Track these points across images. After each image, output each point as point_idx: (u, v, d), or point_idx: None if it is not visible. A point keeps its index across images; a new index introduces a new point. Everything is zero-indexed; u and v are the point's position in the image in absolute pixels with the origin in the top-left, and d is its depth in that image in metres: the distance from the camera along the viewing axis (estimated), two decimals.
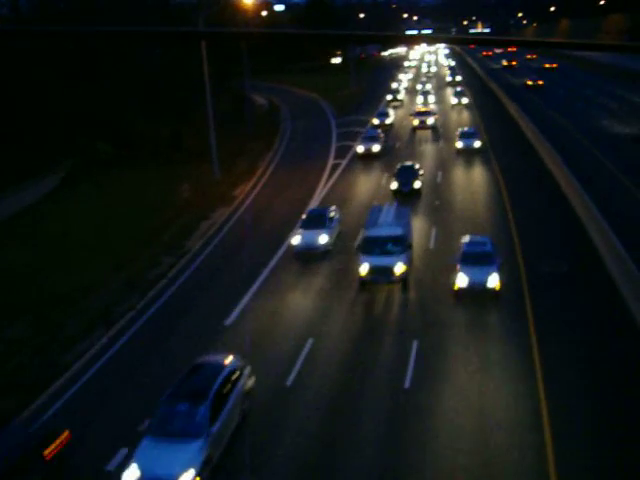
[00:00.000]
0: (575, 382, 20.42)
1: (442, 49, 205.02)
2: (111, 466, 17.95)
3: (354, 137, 60.49)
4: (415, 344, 23.05)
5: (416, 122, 62.57)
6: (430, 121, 62.27)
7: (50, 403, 21.53)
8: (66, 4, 67.43)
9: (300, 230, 32.43)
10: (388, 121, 66.02)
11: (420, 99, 77.75)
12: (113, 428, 19.71)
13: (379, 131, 57.07)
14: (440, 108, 74.44)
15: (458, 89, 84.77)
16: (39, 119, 52.43)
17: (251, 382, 19.92)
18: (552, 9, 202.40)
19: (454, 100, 78.24)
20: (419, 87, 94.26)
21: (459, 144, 52.07)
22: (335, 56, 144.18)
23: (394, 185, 41.50)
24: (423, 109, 65.96)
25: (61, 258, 34.37)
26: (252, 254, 33.48)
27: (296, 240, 32.03)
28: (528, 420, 18.62)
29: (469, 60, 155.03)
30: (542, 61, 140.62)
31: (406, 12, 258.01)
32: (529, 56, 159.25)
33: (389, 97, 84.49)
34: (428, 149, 55.75)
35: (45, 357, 24.27)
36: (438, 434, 18.28)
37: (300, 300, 27.88)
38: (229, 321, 26.19)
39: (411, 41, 61.80)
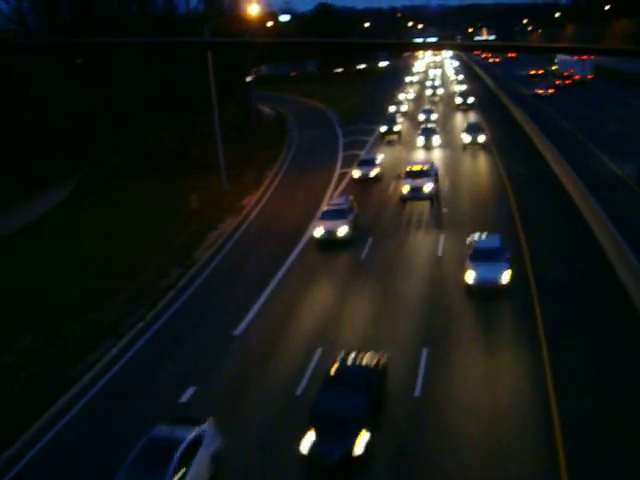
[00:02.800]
0: (585, 385, 20.38)
1: (449, 59, 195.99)
2: None
3: (361, 146, 60.60)
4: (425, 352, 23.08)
5: (406, 189, 40.86)
6: (427, 188, 40.19)
7: (61, 414, 21.63)
8: (73, 17, 67.82)
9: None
10: (373, 173, 47.52)
11: (420, 141, 58.78)
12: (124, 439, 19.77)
13: (350, 198, 38.52)
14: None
15: (472, 121, 65.70)
16: (48, 132, 52.76)
17: (217, 443, 17.92)
18: (557, 15, 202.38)
19: (467, 138, 56.59)
20: (421, 117, 71.22)
21: (473, 242, 29.57)
22: (355, 63, 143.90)
23: None
24: (416, 168, 42.46)
25: (70, 269, 34.53)
26: (260, 264, 33.53)
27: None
28: (537, 427, 18.58)
29: (481, 73, 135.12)
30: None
31: (411, 20, 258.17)
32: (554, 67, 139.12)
33: (383, 128, 65.28)
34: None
35: (55, 368, 24.36)
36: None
37: (308, 309, 27.89)
38: (238, 331, 26.23)
39: (416, 48, 61.44)
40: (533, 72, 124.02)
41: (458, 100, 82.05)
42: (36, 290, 31.88)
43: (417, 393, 20.70)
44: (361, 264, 32.22)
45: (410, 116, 78.43)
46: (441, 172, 46.27)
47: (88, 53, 51.87)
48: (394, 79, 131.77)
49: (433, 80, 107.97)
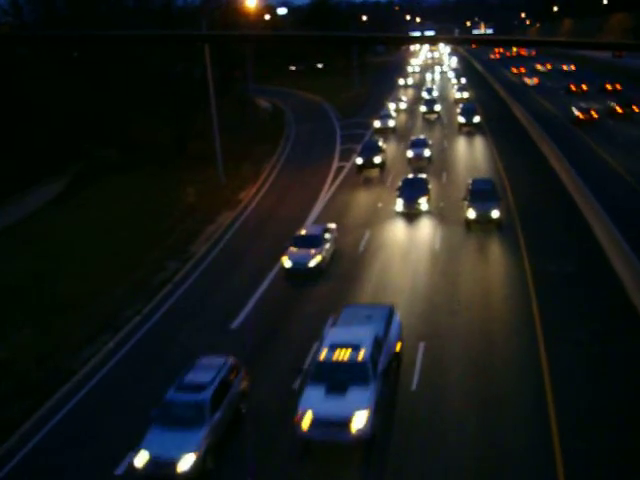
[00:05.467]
0: (581, 378, 20.47)
1: (447, 55, 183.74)
2: (120, 470, 18.06)
3: (358, 139, 60.53)
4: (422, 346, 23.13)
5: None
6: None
7: (57, 408, 21.60)
8: (69, 10, 67.62)
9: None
10: (313, 263, 30.26)
11: (400, 206, 37.45)
12: (119, 432, 19.75)
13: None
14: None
15: (481, 179, 39.18)
16: (43, 125, 52.60)
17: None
18: (555, 9, 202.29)
19: (471, 214, 34.42)
20: (410, 153, 50.03)
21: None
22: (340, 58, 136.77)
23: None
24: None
25: (66, 263, 34.43)
26: (257, 257, 33.51)
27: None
28: (534, 415, 18.63)
29: (488, 75, 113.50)
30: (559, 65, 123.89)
31: (409, 14, 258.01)
32: (565, 67, 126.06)
33: (358, 160, 48.39)
34: None
35: (52, 362, 24.31)
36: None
37: (305, 303, 27.86)
38: (235, 324, 26.22)
39: (414, 42, 59.64)
40: (574, 88, 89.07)
41: (461, 119, 63.53)
42: (32, 285, 31.75)
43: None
44: (358, 257, 32.21)
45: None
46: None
47: (84, 46, 51.68)
48: (392, 73, 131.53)
49: (430, 90, 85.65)
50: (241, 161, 55.48)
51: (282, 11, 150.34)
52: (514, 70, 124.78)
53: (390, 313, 21.97)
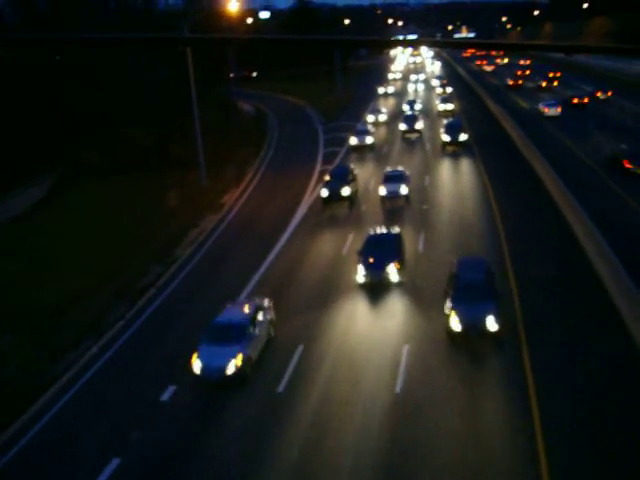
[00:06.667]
0: (565, 381, 20.56)
1: (430, 59, 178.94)
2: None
3: (341, 143, 60.57)
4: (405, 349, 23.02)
5: None
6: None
7: (40, 414, 21.41)
8: (49, 13, 67.20)
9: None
10: (231, 369, 21.82)
11: (361, 277, 28.62)
12: (103, 436, 19.62)
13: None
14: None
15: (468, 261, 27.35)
16: (24, 129, 52.17)
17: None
18: (536, 13, 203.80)
19: (455, 325, 23.35)
20: (382, 191, 40.76)
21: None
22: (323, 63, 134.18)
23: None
24: None
25: (49, 268, 34.15)
26: (241, 261, 33.44)
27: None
28: (517, 420, 18.71)
29: (474, 84, 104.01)
30: (539, 70, 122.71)
31: (391, 18, 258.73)
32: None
33: (323, 193, 40.98)
34: None
35: (34, 368, 24.09)
36: None
37: (290, 306, 27.79)
38: None
39: (397, 45, 59.91)
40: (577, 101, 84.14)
41: (445, 137, 56.04)
42: (14, 290, 31.49)
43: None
44: (342, 258, 32.19)
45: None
46: None
47: (66, 49, 51.39)
48: (374, 76, 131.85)
49: (412, 103, 77.45)
50: (224, 164, 55.35)
51: (265, 15, 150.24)
52: (477, 62, 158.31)
53: None
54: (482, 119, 70.83)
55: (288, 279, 30.60)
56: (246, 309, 23.84)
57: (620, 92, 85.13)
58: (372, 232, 30.85)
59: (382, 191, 40.69)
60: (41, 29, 61.23)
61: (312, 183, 47.74)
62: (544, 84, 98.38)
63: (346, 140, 60.56)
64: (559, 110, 70.22)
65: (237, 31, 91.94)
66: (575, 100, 77.06)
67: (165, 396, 21.58)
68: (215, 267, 33.25)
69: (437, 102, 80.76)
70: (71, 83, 57.87)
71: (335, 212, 40.28)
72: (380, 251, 28.54)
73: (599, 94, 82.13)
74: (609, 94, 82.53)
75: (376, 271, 28.06)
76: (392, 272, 27.98)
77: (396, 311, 26.56)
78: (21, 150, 51.39)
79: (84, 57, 58.34)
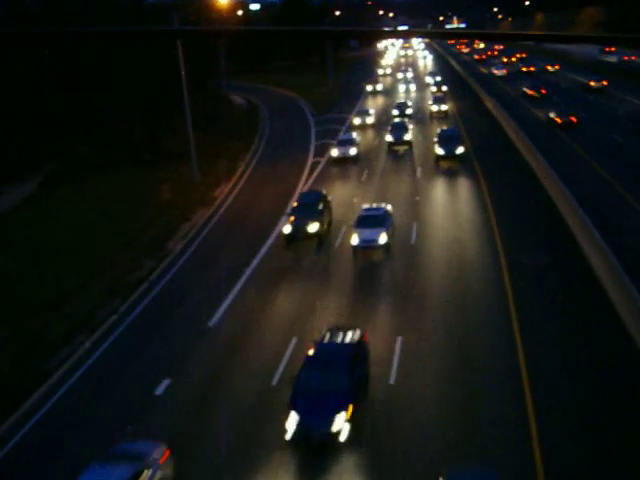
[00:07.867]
0: (558, 367, 20.71)
1: (421, 51, 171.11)
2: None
3: (333, 135, 60.50)
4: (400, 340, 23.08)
5: None
6: None
7: (34, 410, 21.38)
8: (38, 6, 66.71)
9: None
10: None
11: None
12: (101, 433, 19.62)
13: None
14: None
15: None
16: (14, 124, 51.89)
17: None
18: (527, 3, 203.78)
19: None
20: (355, 241, 31.11)
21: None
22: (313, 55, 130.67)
23: None
24: None
25: (41, 263, 34.03)
26: (234, 254, 33.40)
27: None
28: (512, 414, 18.82)
29: (470, 79, 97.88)
30: (532, 61, 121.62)
31: (382, 9, 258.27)
32: (550, 67, 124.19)
33: (286, 229, 33.53)
34: None
35: (27, 364, 24.04)
36: None
37: (283, 300, 27.82)
38: (213, 322, 26.11)
39: (388, 36, 59.60)
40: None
41: (439, 150, 47.89)
42: (5, 285, 31.38)
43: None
44: (334, 253, 32.20)
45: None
46: None
47: (55, 43, 51.00)
48: (365, 67, 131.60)
49: (401, 107, 68.74)
50: (216, 158, 55.19)
51: (255, 7, 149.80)
52: (457, 47, 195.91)
53: None
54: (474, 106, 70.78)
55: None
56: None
57: (566, 67, 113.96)
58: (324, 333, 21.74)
59: (355, 239, 31.17)
60: (29, 23, 60.78)
61: (304, 175, 47.68)
62: (505, 60, 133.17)
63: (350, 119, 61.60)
64: (505, 72, 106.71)
65: (228, 23, 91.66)
66: (524, 69, 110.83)
67: (159, 390, 21.59)
68: (207, 261, 33.20)
69: (430, 102, 71.78)
70: (61, 77, 57.54)
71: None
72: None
73: (548, 67, 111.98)
74: (556, 67, 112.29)
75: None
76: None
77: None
78: (11, 145, 51.11)
79: (74, 51, 57.95)
